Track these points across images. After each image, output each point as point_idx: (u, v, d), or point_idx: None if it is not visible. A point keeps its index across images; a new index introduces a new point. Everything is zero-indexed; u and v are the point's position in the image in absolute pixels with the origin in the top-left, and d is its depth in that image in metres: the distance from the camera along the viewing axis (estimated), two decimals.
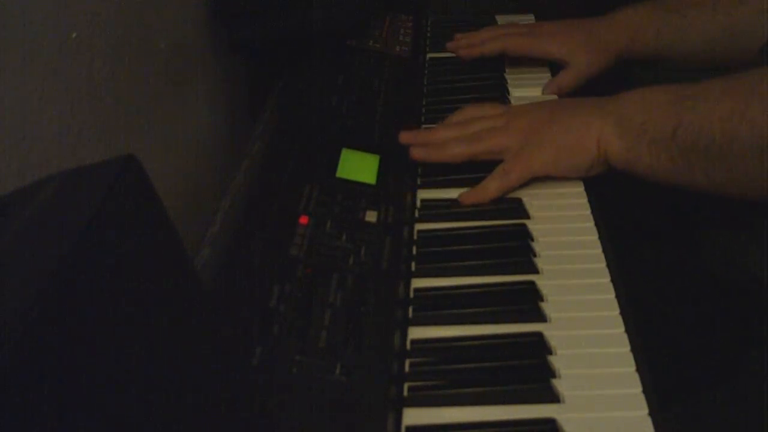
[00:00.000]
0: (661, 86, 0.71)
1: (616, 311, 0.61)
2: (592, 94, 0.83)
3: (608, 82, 1.11)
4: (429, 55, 1.04)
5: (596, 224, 0.70)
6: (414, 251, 0.69)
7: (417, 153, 0.77)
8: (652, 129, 0.68)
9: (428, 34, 1.09)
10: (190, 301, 0.43)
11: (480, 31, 1.00)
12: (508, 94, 0.92)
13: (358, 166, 0.75)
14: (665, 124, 0.67)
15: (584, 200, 0.73)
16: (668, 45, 0.89)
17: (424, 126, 0.87)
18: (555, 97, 0.90)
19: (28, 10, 0.56)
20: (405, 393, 0.56)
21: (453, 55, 1.01)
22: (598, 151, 0.72)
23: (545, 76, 0.95)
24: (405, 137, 0.79)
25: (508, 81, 0.95)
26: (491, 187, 0.73)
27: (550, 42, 0.93)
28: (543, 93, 0.93)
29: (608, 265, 0.65)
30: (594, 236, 0.69)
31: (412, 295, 0.64)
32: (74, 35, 0.62)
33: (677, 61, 0.91)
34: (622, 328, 0.59)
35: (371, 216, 0.69)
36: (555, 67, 0.95)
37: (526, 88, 0.93)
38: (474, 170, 0.76)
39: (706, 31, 0.87)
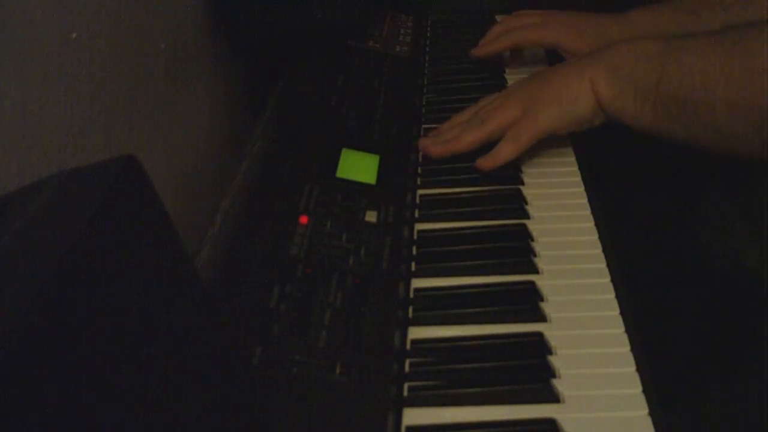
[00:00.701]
0: (652, 37, 0.73)
1: (616, 311, 0.61)
2: None
3: None
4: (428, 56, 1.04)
5: (596, 224, 0.70)
6: (414, 251, 0.69)
7: (434, 150, 0.79)
8: (638, 78, 0.70)
9: (428, 34, 1.08)
10: (190, 301, 0.43)
11: (493, 29, 0.99)
12: None
13: (358, 166, 0.75)
14: (650, 75, 0.69)
15: (584, 200, 0.73)
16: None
17: (423, 126, 0.87)
18: None
19: (28, 10, 0.56)
20: (405, 393, 0.55)
21: (453, 54, 1.02)
22: (595, 97, 0.73)
23: None
24: (424, 142, 0.81)
25: (508, 81, 0.95)
26: (504, 150, 0.75)
27: (562, 34, 0.92)
28: None
29: (608, 265, 0.65)
30: (594, 236, 0.69)
31: (412, 295, 0.64)
32: (74, 35, 0.62)
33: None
34: (622, 328, 0.59)
35: (371, 216, 0.69)
36: (553, 62, 0.95)
37: None
38: (473, 169, 0.76)
39: None
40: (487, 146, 0.77)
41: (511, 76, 0.96)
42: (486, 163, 0.76)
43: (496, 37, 0.97)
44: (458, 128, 0.80)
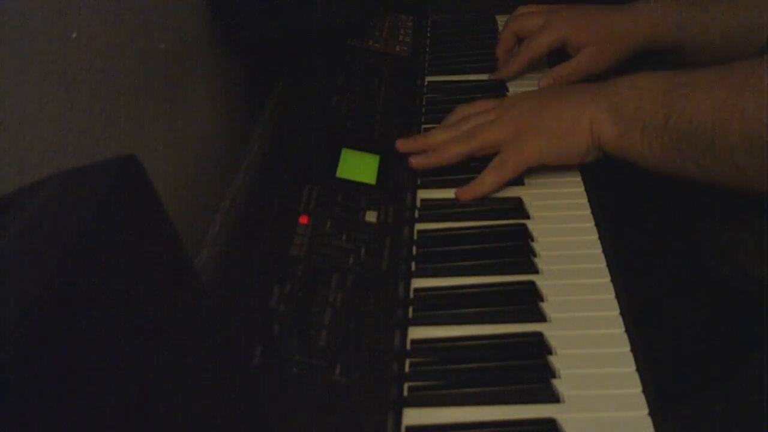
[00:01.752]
0: (655, 72, 0.71)
1: (616, 311, 0.61)
2: None
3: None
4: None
5: (596, 224, 0.70)
6: (414, 251, 0.69)
7: (415, 161, 0.77)
8: (644, 116, 0.69)
9: (428, 34, 1.09)
10: (190, 301, 0.43)
11: (505, 31, 0.96)
12: (508, 92, 0.92)
13: (358, 166, 0.75)
14: (658, 112, 0.68)
15: (584, 200, 0.73)
16: (690, 38, 0.89)
17: (423, 126, 0.87)
18: None
19: (28, 10, 0.56)
20: (405, 393, 0.56)
21: (453, 54, 1.02)
22: (592, 136, 0.72)
23: None
24: (402, 145, 0.79)
25: (508, 81, 0.95)
26: (488, 180, 0.74)
27: (568, 29, 0.90)
28: (539, 86, 0.90)
29: (608, 265, 0.65)
30: (594, 236, 0.69)
31: (412, 295, 0.64)
32: (74, 35, 0.62)
33: (696, 54, 0.90)
34: (622, 328, 0.59)
35: (371, 216, 0.69)
36: (552, 63, 0.95)
37: (525, 89, 0.93)
38: (474, 170, 0.76)
39: (725, 25, 0.87)
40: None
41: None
42: (467, 194, 0.74)
43: (509, 49, 0.95)
44: (444, 135, 0.78)
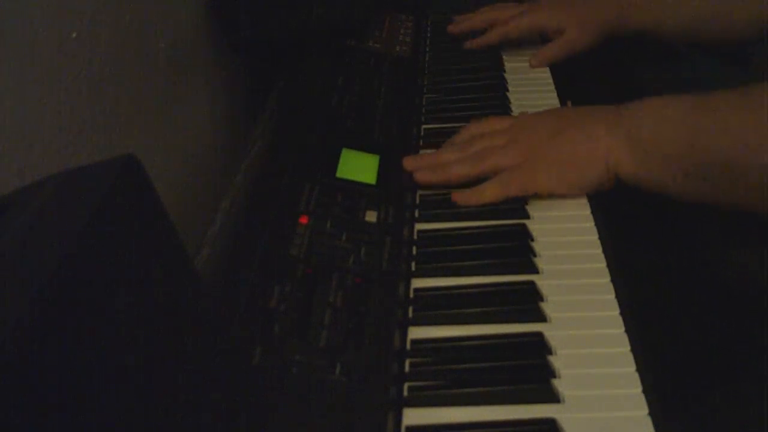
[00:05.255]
0: (672, 97, 0.69)
1: (616, 311, 0.60)
2: (597, 98, 0.83)
3: (612, 80, 1.11)
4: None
5: (596, 224, 0.70)
6: (414, 251, 0.69)
7: (421, 176, 0.75)
8: (665, 145, 0.66)
9: (428, 34, 1.09)
10: (190, 301, 0.43)
11: (477, 15, 1.02)
12: (508, 92, 0.92)
13: (358, 166, 0.75)
14: (679, 141, 0.65)
15: (584, 200, 0.73)
16: (657, 21, 0.91)
17: (423, 126, 0.87)
18: (555, 101, 0.90)
19: (28, 10, 0.56)
20: (405, 393, 0.56)
21: (453, 54, 1.02)
22: (608, 166, 0.69)
23: (545, 76, 0.95)
24: (408, 163, 0.77)
25: (508, 81, 0.95)
26: (488, 192, 0.72)
27: (545, 13, 0.95)
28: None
29: (608, 265, 0.65)
30: (594, 236, 0.69)
31: (412, 295, 0.64)
32: (74, 35, 0.62)
33: (664, 37, 0.92)
34: (622, 328, 0.59)
35: (371, 216, 0.69)
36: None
37: (525, 89, 0.93)
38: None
39: (693, 7, 0.88)
40: None
41: (511, 76, 0.96)
42: (465, 199, 0.72)
43: (483, 26, 1.00)
44: (452, 156, 0.76)
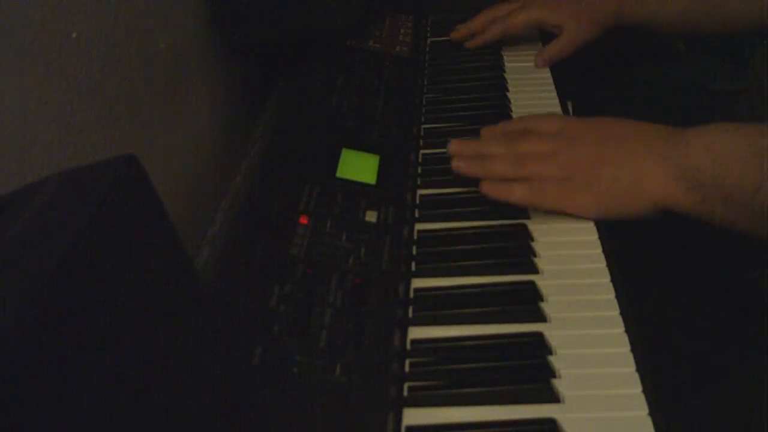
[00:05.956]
0: (728, 130, 0.65)
1: (616, 311, 0.61)
2: (597, 98, 0.83)
3: (612, 80, 1.11)
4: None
5: (596, 224, 0.70)
6: (414, 251, 0.69)
7: (458, 164, 0.74)
8: (727, 186, 0.62)
9: (428, 34, 1.09)
10: (190, 301, 0.43)
11: (477, 18, 1.03)
12: (508, 92, 0.92)
13: (358, 166, 0.75)
14: (744, 182, 0.61)
15: None
16: (651, 13, 0.91)
17: (423, 126, 0.87)
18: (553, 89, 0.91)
19: (28, 10, 0.56)
20: (405, 393, 0.56)
21: (453, 54, 1.02)
22: (657, 203, 0.66)
23: (545, 76, 0.95)
24: (455, 147, 0.75)
25: (508, 81, 0.95)
26: (518, 193, 0.70)
27: (543, 9, 0.96)
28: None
29: (608, 265, 0.65)
30: (594, 236, 0.69)
31: (412, 295, 0.64)
32: (74, 35, 0.62)
33: (659, 29, 0.94)
34: (622, 328, 0.59)
35: (371, 216, 0.69)
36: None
37: (526, 89, 0.93)
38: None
39: (684, 2, 0.90)
40: None
41: (511, 76, 0.96)
42: (493, 191, 0.71)
43: (483, 29, 1.01)
44: (497, 149, 0.74)
